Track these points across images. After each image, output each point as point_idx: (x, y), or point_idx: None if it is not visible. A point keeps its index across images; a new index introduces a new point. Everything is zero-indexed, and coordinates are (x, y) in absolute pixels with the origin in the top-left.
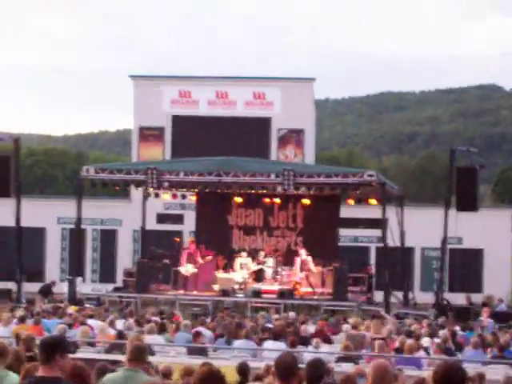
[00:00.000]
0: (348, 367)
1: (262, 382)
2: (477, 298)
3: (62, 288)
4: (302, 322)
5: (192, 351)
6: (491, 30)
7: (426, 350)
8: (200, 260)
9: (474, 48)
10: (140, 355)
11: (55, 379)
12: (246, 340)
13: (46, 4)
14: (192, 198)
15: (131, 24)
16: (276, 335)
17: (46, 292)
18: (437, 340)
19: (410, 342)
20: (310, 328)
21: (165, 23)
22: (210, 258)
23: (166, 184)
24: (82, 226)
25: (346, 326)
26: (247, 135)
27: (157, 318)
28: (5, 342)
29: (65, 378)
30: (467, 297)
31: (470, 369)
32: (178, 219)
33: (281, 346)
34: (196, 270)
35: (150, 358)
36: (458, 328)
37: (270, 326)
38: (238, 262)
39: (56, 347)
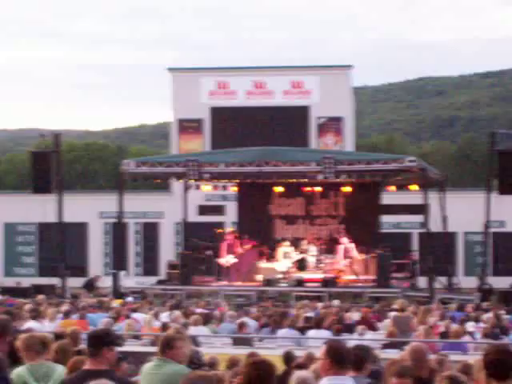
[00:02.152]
0: (393, 353)
1: (306, 369)
2: None
3: (105, 282)
4: (346, 310)
5: (237, 341)
6: None
7: (471, 334)
8: (239, 250)
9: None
10: (167, 345)
11: (103, 372)
12: (290, 329)
13: (83, 2)
14: (233, 189)
15: (166, 18)
16: (320, 323)
17: (90, 286)
18: (482, 324)
19: (455, 327)
20: (355, 315)
21: (199, 15)
22: (248, 246)
23: (207, 175)
24: (124, 220)
25: (390, 313)
26: (286, 124)
27: (202, 310)
28: (48, 335)
29: (112, 370)
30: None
31: None
32: (220, 210)
33: (325, 334)
34: (236, 260)
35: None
36: (503, 312)
37: (313, 314)
38: (280, 251)
39: (103, 340)
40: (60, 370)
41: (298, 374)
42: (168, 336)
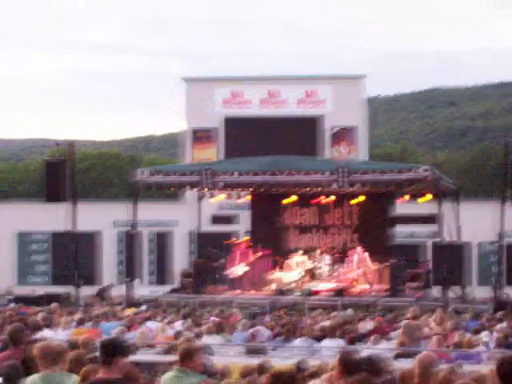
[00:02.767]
0: (407, 363)
1: (318, 378)
2: None
3: (119, 291)
4: (359, 320)
5: (250, 351)
6: None
7: (486, 344)
8: (252, 259)
9: None
10: (187, 356)
11: (116, 381)
12: (304, 338)
13: (97, 12)
14: (247, 198)
15: (178, 27)
16: (334, 333)
17: (104, 295)
18: (496, 334)
19: (468, 336)
20: (368, 325)
21: (210, 25)
22: (259, 254)
23: (221, 184)
24: (138, 229)
25: (403, 322)
26: (300, 134)
27: (215, 318)
28: (64, 344)
29: (124, 380)
30: None
31: None
32: (233, 220)
33: (339, 343)
34: (248, 269)
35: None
36: None
37: (327, 323)
38: (293, 260)
39: (116, 349)
40: (73, 380)
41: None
42: (188, 347)
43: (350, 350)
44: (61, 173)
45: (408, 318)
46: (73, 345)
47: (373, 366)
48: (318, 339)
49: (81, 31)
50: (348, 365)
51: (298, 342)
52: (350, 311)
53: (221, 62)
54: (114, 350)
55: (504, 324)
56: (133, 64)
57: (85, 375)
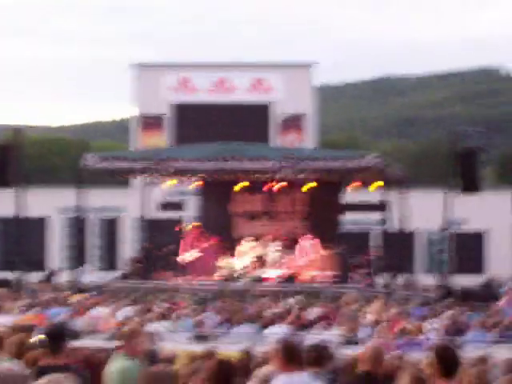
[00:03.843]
0: (352, 350)
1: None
2: (479, 280)
3: (65, 277)
4: (308, 306)
5: (196, 337)
6: (490, 13)
7: (432, 331)
8: (203, 245)
9: (472, 31)
10: (123, 339)
11: (63, 366)
12: (249, 325)
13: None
14: (194, 185)
15: (129, 14)
16: (282, 319)
17: (49, 281)
18: (443, 321)
19: (415, 323)
20: (316, 311)
21: (160, 11)
22: (212, 242)
23: (168, 171)
24: (85, 215)
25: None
26: (248, 121)
27: (163, 304)
28: (6, 330)
29: (72, 365)
30: (488, 279)
31: (473, 351)
32: (180, 206)
33: (284, 330)
34: (199, 255)
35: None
36: (463, 309)
37: (275, 310)
38: (244, 247)
39: (62, 335)
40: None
41: (261, 371)
42: (129, 330)
43: (289, 338)
44: (8, 157)
45: (345, 305)
46: (16, 330)
47: (319, 353)
48: (267, 325)
49: (34, 18)
50: (289, 353)
51: (244, 328)
52: (299, 297)
53: (171, 49)
54: (59, 336)
55: (451, 311)
56: (84, 50)
57: (30, 361)
